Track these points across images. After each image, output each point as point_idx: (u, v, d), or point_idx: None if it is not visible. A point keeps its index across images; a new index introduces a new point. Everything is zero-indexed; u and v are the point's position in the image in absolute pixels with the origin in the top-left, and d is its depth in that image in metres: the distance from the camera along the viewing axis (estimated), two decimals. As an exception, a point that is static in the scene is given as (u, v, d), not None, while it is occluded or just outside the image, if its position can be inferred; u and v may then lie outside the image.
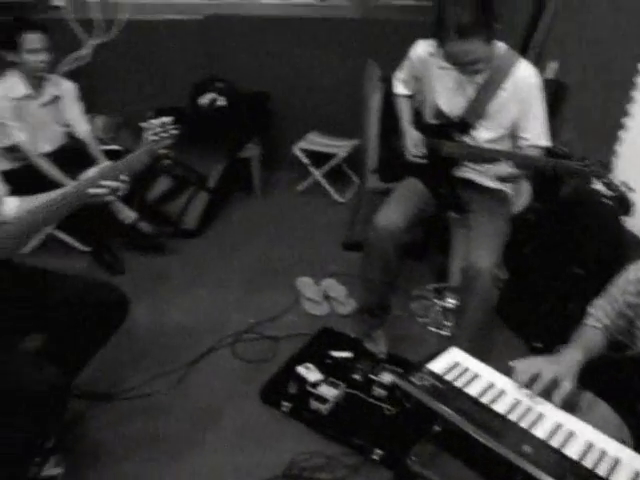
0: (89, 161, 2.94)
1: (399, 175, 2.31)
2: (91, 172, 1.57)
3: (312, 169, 3.70)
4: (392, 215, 2.09)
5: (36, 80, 2.77)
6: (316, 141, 3.79)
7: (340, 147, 3.71)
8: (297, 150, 3.65)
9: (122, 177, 1.58)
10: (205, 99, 3.60)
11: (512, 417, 1.22)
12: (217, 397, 2.17)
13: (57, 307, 1.57)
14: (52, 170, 2.77)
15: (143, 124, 1.70)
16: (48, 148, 2.87)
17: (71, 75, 3.28)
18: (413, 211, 2.14)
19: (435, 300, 2.69)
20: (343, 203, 3.72)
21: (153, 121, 1.69)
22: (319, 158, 3.74)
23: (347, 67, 3.87)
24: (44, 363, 1.36)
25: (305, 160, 3.66)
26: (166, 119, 1.72)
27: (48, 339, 1.72)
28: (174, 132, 1.74)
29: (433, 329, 2.56)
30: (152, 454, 1.92)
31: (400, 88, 2.30)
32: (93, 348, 1.75)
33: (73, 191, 1.51)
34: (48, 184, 2.76)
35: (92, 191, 1.52)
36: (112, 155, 3.10)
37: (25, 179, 2.66)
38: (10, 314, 1.55)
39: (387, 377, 2.15)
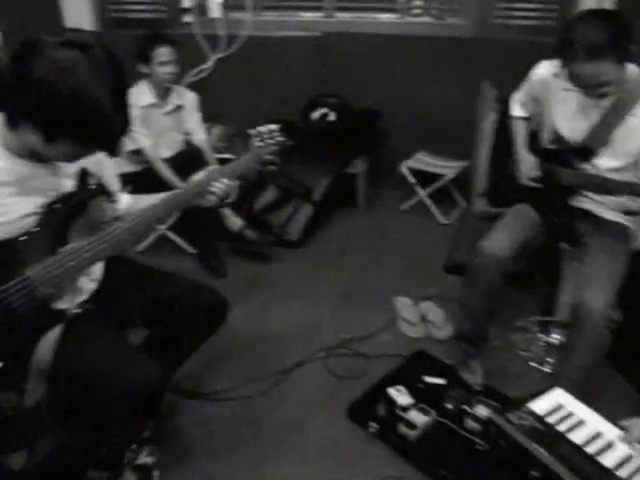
0: (203, 168, 3.10)
1: (510, 200, 2.21)
2: (200, 175, 1.64)
3: (418, 188, 3.64)
4: (500, 241, 2.01)
5: (163, 90, 2.96)
6: (424, 160, 3.73)
7: (448, 168, 3.63)
8: (404, 168, 3.62)
9: (228, 181, 1.63)
10: (316, 113, 3.68)
11: (621, 474, 1.11)
12: (305, 409, 2.18)
13: (162, 305, 1.64)
14: (169, 174, 2.94)
15: (250, 130, 1.75)
16: (168, 154, 3.05)
17: (193, 86, 3.47)
18: (522, 239, 2.04)
19: (539, 334, 2.54)
20: (447, 225, 3.62)
21: (260, 127, 1.75)
22: (425, 177, 3.68)
23: (461, 87, 3.78)
24: (147, 357, 1.43)
25: (412, 179, 3.61)
26: (273, 126, 1.77)
27: (150, 335, 1.81)
28: (280, 139, 1.78)
29: (534, 364, 2.42)
30: (237, 457, 1.95)
31: (517, 110, 2.21)
32: (191, 348, 1.81)
33: (182, 192, 1.59)
34: (164, 187, 2.94)
35: (199, 193, 1.59)
36: (225, 163, 3.23)
37: (144, 181, 2.86)
38: (117, 308, 1.64)
39: (482, 410, 2.04)
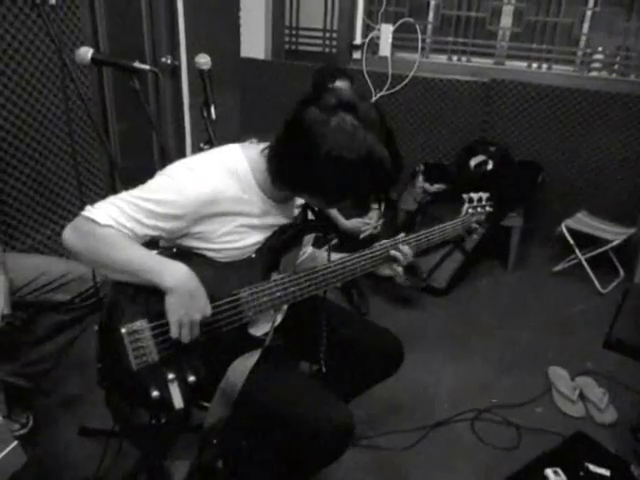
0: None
1: None
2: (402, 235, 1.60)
3: (577, 251, 3.39)
4: None
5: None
6: (586, 222, 3.48)
7: (614, 234, 3.35)
8: (564, 228, 3.39)
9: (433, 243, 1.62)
10: (474, 160, 3.57)
11: None
12: (452, 473, 2.04)
13: (343, 344, 1.59)
14: (330, 206, 2.95)
15: (464, 195, 1.77)
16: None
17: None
18: None
19: None
20: (603, 294, 3.34)
21: (472, 194, 1.76)
22: (584, 240, 3.43)
23: (634, 149, 3.54)
24: (342, 402, 1.38)
25: (571, 240, 3.37)
26: (484, 194, 1.77)
27: (316, 372, 1.76)
28: (489, 209, 1.78)
29: None
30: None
31: None
32: (357, 392, 1.74)
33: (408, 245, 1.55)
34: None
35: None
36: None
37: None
38: (295, 342, 1.62)
39: (660, 518, 1.81)
